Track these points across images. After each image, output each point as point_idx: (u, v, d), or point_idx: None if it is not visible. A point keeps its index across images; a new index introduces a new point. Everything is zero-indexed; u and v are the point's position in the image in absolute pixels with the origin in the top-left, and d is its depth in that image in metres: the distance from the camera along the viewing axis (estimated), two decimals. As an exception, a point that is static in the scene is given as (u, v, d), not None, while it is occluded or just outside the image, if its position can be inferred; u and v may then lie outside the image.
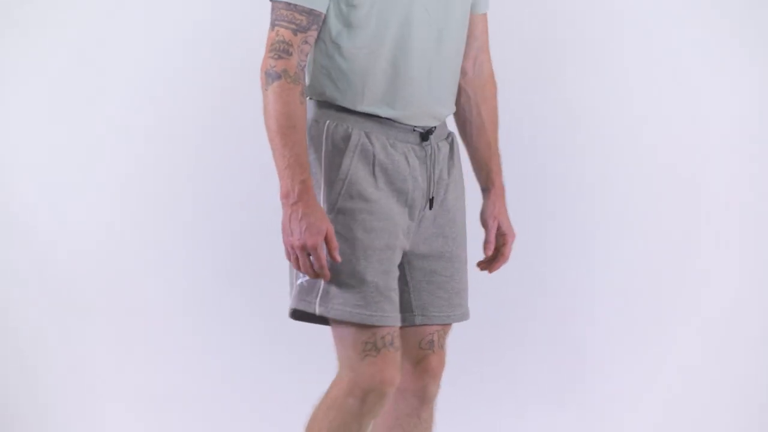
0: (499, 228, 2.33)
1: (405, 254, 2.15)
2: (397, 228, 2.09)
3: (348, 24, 2.08)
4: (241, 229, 3.37)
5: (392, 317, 2.07)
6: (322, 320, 2.12)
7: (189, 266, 3.50)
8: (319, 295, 2.03)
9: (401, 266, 2.15)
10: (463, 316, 2.25)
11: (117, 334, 3.48)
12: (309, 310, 2.04)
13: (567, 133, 3.43)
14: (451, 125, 2.31)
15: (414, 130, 2.13)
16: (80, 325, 3.46)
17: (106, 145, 3.46)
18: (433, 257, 2.18)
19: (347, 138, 2.06)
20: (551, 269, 3.47)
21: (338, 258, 2.01)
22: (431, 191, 2.16)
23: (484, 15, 2.31)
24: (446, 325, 2.26)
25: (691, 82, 3.47)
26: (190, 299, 3.51)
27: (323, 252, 1.99)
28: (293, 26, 2.02)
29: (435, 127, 2.16)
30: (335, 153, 2.05)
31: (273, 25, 2.03)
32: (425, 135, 2.14)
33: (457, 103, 2.32)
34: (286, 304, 3.48)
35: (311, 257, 1.98)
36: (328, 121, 2.07)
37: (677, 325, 3.52)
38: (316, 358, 3.48)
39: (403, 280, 2.16)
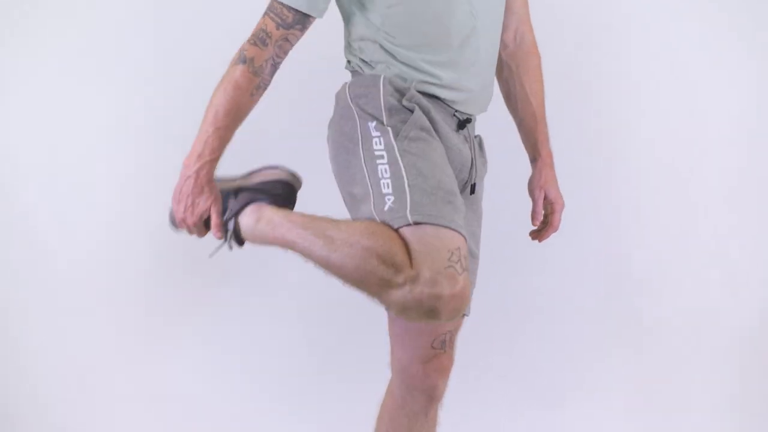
0: (546, 197, 2.36)
1: None
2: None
3: (383, 25, 2.10)
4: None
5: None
6: None
7: (190, 266, 3.49)
8: (408, 207, 1.96)
9: None
10: (467, 312, 2.26)
11: (117, 334, 3.48)
12: (403, 223, 1.94)
13: (564, 130, 3.43)
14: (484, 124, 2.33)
15: (454, 116, 2.14)
16: (80, 325, 3.46)
17: (106, 145, 3.45)
18: None
19: (406, 89, 2.08)
20: (549, 268, 3.47)
21: (219, 236, 2.18)
22: (473, 175, 2.18)
23: None
24: (458, 325, 2.27)
25: (688, 77, 3.48)
26: (191, 299, 3.51)
27: (201, 227, 2.19)
28: (278, 20, 2.09)
29: (470, 119, 2.19)
30: (395, 97, 2.07)
31: (264, 13, 2.11)
32: (462, 123, 2.16)
33: (500, 76, 2.36)
34: (288, 303, 3.53)
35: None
36: (383, 75, 2.10)
37: (677, 325, 3.52)
38: (318, 359, 3.51)
39: None
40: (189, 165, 2.15)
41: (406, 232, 1.93)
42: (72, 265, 3.45)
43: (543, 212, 2.40)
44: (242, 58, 2.09)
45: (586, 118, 3.50)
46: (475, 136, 2.26)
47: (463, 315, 2.28)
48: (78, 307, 3.45)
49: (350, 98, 2.12)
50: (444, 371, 2.27)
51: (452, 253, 1.92)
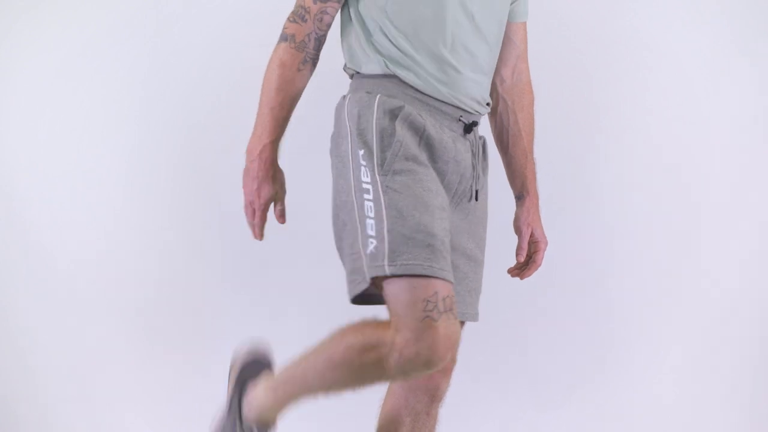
0: (532, 235, 2.36)
1: None
2: (446, 196, 2.11)
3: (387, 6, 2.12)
4: (242, 228, 3.35)
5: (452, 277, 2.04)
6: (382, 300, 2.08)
7: (190, 266, 3.50)
8: (386, 256, 1.98)
9: None
10: (474, 316, 2.26)
11: (117, 333, 3.48)
12: (380, 273, 1.98)
13: (570, 135, 3.45)
14: (486, 132, 2.33)
15: (459, 120, 2.15)
16: (80, 325, 3.46)
17: (107, 146, 3.47)
18: (458, 252, 2.19)
19: (399, 108, 2.08)
20: (551, 270, 3.46)
21: (282, 221, 2.16)
22: (475, 182, 2.18)
23: (524, 24, 2.35)
24: (460, 324, 2.27)
25: (692, 84, 3.49)
26: (191, 299, 3.51)
27: (264, 213, 2.13)
28: None
29: (477, 123, 2.19)
30: (388, 119, 2.07)
31: None
32: (468, 127, 2.16)
33: (495, 111, 2.35)
34: (288, 303, 3.53)
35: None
36: (379, 94, 2.10)
37: (683, 326, 3.53)
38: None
39: None
40: (251, 150, 2.13)
41: (385, 289, 1.99)
42: (72, 265, 3.46)
43: (527, 250, 2.39)
44: (283, 36, 2.12)
45: (589, 123, 3.51)
46: (480, 137, 2.26)
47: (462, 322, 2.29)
48: (78, 307, 3.46)
49: (347, 117, 2.12)
50: (446, 371, 2.28)
51: (427, 301, 1.96)
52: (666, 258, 3.51)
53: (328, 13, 2.12)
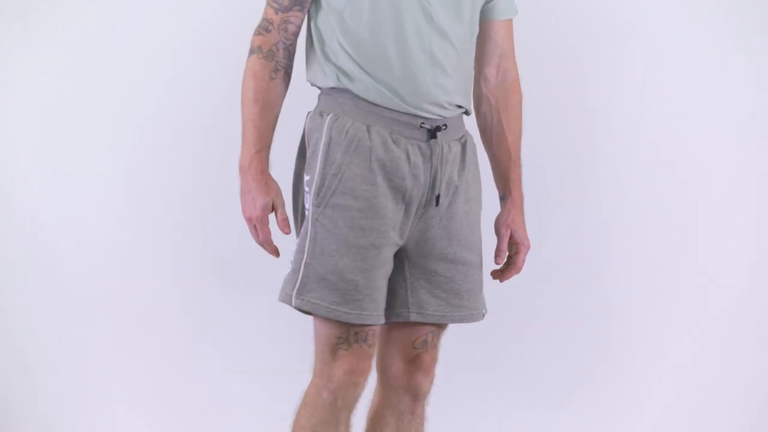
0: (512, 237, 2.33)
1: (405, 250, 2.17)
2: (387, 227, 2.11)
3: (341, 11, 2.11)
4: (242, 228, 3.36)
5: (373, 315, 2.10)
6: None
7: (190, 266, 3.50)
8: (296, 287, 2.07)
9: (401, 262, 2.17)
10: (466, 318, 2.24)
11: (117, 334, 3.49)
12: (286, 302, 2.10)
13: (567, 132, 3.44)
14: (473, 131, 2.31)
15: (421, 127, 2.13)
16: (80, 325, 3.47)
17: (107, 145, 3.47)
18: (434, 257, 2.18)
19: (345, 133, 2.09)
20: (549, 268, 3.47)
21: (287, 231, 2.13)
22: (437, 189, 2.16)
23: (508, 21, 2.31)
24: (442, 325, 2.26)
25: (690, 81, 3.47)
26: (191, 299, 3.52)
27: (265, 226, 2.12)
28: (276, 5, 2.13)
29: (444, 126, 2.16)
30: (333, 147, 2.09)
31: (266, 3, 2.15)
32: (432, 132, 2.14)
33: (479, 110, 2.33)
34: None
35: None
36: (330, 115, 2.11)
37: (682, 325, 3.51)
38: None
39: (401, 276, 2.18)
40: (242, 164, 2.14)
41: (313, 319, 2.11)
42: (72, 265, 3.46)
43: (507, 252, 2.37)
44: (252, 49, 2.14)
45: (585, 120, 3.50)
46: (461, 136, 2.24)
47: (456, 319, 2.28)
48: (78, 307, 3.47)
49: (306, 137, 2.16)
50: (427, 370, 2.27)
51: (339, 338, 2.09)
52: (663, 255, 3.49)
53: (291, 23, 2.13)
